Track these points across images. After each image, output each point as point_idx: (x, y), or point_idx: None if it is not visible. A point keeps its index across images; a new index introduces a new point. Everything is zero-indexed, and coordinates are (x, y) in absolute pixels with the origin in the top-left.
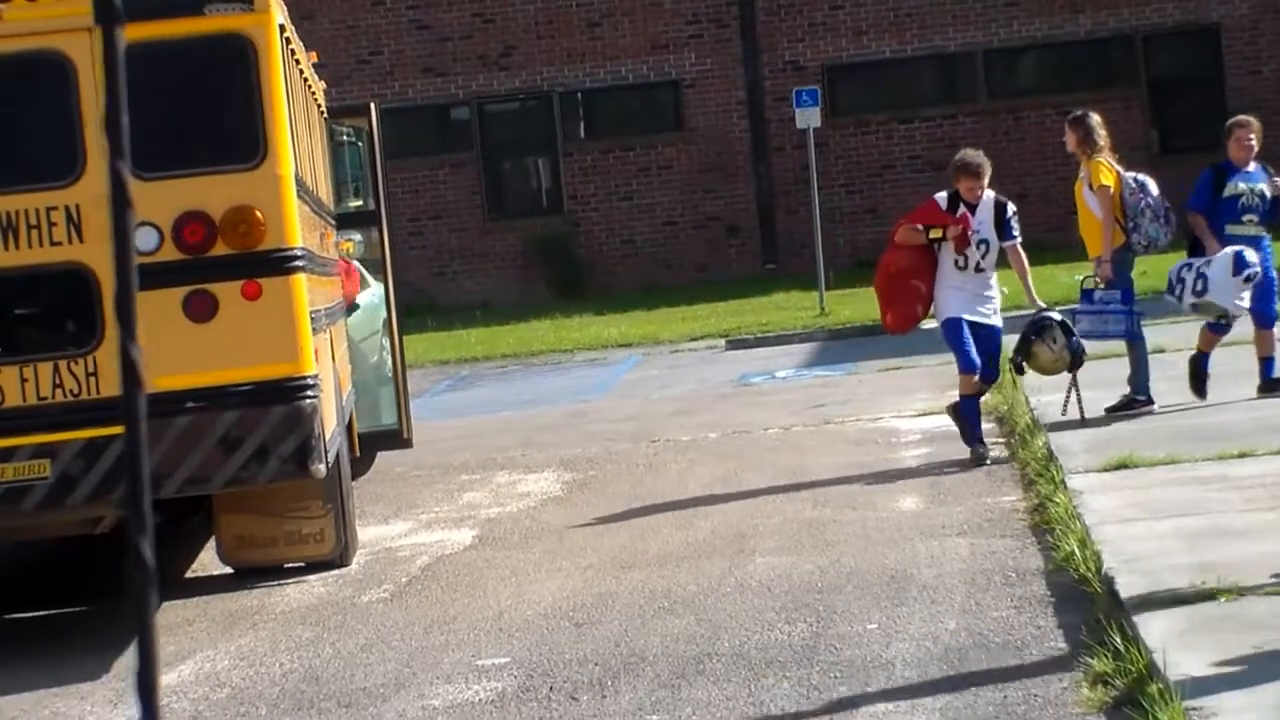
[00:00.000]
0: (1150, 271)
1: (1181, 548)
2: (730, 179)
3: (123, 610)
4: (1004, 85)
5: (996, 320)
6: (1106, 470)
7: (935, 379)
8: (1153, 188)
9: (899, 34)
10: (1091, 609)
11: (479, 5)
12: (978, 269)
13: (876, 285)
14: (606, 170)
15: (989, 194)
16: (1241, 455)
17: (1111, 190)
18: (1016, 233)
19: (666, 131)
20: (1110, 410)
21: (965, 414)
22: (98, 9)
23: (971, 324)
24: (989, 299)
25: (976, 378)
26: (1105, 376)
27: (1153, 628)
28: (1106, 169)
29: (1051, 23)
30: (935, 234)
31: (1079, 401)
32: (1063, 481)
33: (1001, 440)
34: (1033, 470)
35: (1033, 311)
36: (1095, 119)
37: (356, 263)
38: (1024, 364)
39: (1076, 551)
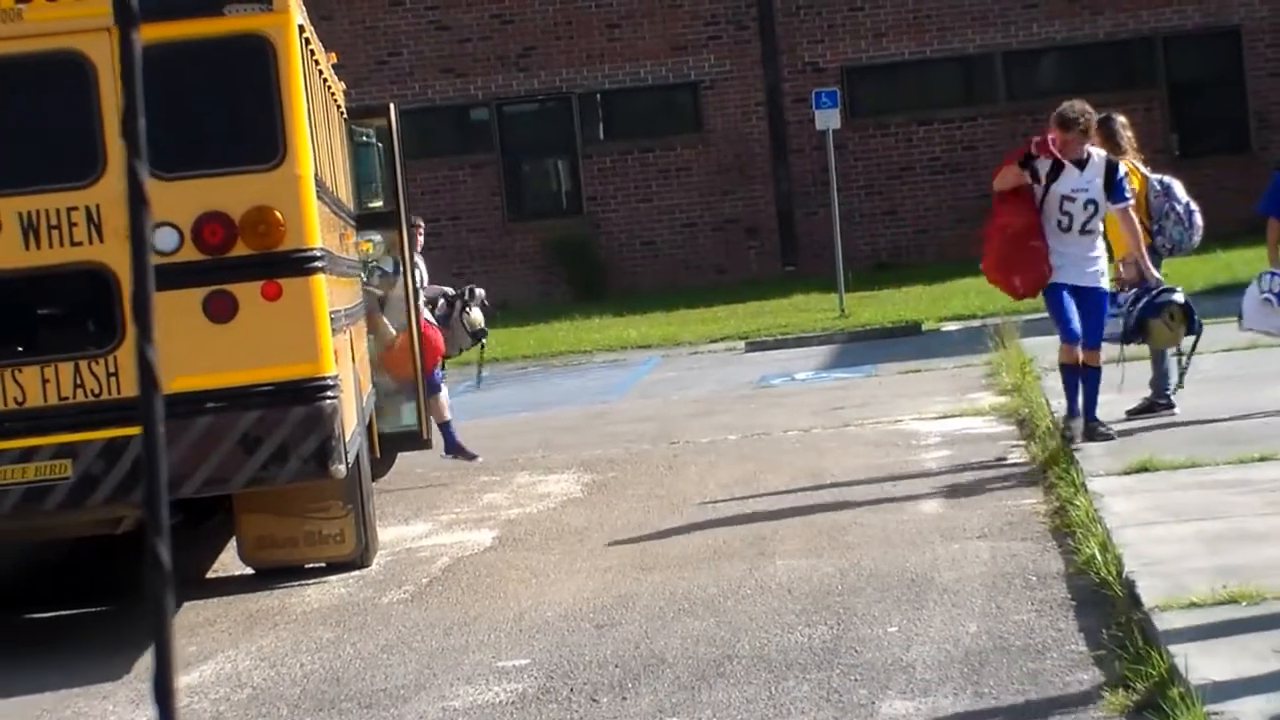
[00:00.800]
0: (1172, 274)
1: (1203, 551)
2: (749, 180)
3: (142, 611)
4: (1023, 87)
5: (1102, 284)
6: (1127, 473)
7: (955, 381)
8: (1178, 190)
9: (918, 36)
10: (1112, 612)
11: (498, 6)
12: (1083, 230)
13: (992, 251)
14: (625, 171)
15: (1099, 153)
16: (1262, 459)
17: (1136, 192)
18: (1129, 194)
19: (686, 133)
20: (1131, 413)
21: (1065, 384)
22: (115, 10)
23: (1074, 288)
24: (1093, 260)
25: (1078, 348)
26: (1127, 380)
27: (1174, 631)
28: (1131, 171)
29: (1071, 24)
30: (1025, 178)
31: (1181, 371)
32: (1083, 484)
33: (1022, 443)
34: (1053, 473)
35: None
36: (1121, 121)
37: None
38: (1137, 337)
39: (1097, 555)
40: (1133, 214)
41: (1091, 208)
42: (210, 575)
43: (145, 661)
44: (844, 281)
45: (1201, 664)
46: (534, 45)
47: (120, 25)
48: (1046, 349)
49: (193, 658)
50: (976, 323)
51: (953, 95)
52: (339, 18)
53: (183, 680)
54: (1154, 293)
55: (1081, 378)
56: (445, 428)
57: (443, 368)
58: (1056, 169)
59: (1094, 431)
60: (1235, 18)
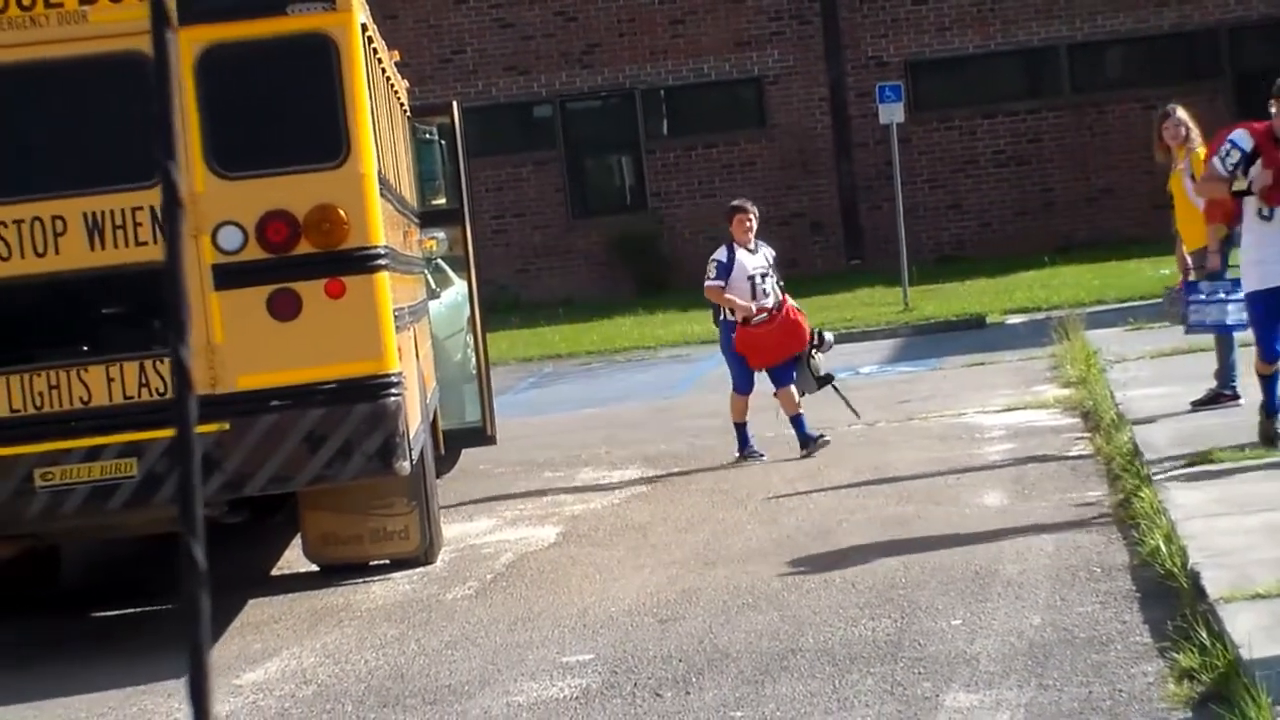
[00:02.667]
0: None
1: (1268, 542)
2: (813, 175)
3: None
4: (1088, 80)
5: None
6: (1192, 465)
7: (1019, 374)
8: None
9: (982, 29)
10: (1177, 604)
11: (561, 3)
12: None
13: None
14: (689, 167)
15: None
16: None
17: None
18: None
19: (749, 128)
20: (1196, 404)
21: (1266, 391)
22: (151, 12)
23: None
24: None
25: (1275, 367)
26: (1191, 371)
27: (1239, 623)
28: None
29: (1136, 16)
30: (1239, 185)
31: None
32: (1148, 476)
33: (1087, 435)
34: (1118, 465)
35: None
36: (1182, 113)
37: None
38: None
39: (1162, 546)
40: None
41: None
42: (275, 572)
43: (211, 658)
44: (908, 275)
45: (1267, 655)
46: (597, 42)
47: (154, 28)
48: (1110, 341)
49: (258, 654)
50: (1040, 315)
51: (1017, 88)
52: (403, 16)
53: (248, 677)
54: None
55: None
56: (797, 420)
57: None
58: (1254, 152)
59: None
60: None
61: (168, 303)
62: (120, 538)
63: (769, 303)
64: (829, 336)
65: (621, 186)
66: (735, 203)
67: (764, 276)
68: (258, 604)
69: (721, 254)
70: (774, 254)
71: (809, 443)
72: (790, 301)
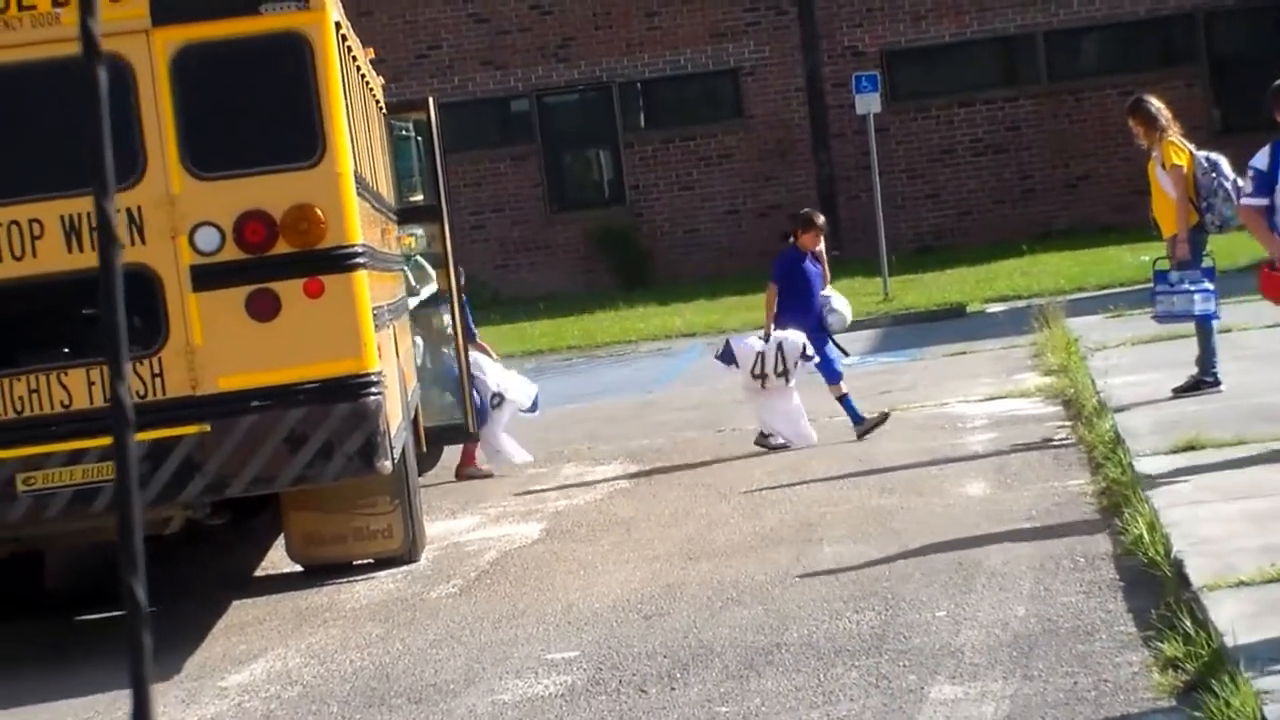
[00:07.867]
0: (1218, 250)
1: (1251, 530)
2: (791, 166)
3: (194, 612)
4: (1065, 67)
5: None
6: (1174, 452)
7: (1000, 363)
8: (1225, 167)
9: (958, 17)
10: (1161, 593)
11: None
12: None
13: None
14: (667, 160)
15: None
16: None
17: (1184, 170)
18: None
19: (726, 120)
20: (1177, 391)
21: None
22: (81, 13)
23: None
24: None
25: None
26: (1173, 358)
27: (1223, 611)
28: (1178, 148)
29: (1112, 2)
30: None
31: None
32: (1130, 464)
33: (1068, 423)
34: (1100, 453)
35: None
36: (1154, 101)
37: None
38: None
39: (1145, 535)
40: None
41: None
42: (259, 573)
43: (196, 661)
44: (887, 265)
45: (1251, 643)
46: (573, 36)
47: (84, 46)
48: (1091, 328)
49: (243, 656)
50: (1021, 304)
51: (993, 76)
52: (378, 12)
53: (234, 679)
54: None
55: None
56: None
57: None
58: None
59: None
60: None
61: (105, 335)
62: (103, 541)
63: None
64: None
65: (599, 180)
66: None
67: None
68: (241, 605)
69: (1261, 157)
70: None
71: None
72: None
